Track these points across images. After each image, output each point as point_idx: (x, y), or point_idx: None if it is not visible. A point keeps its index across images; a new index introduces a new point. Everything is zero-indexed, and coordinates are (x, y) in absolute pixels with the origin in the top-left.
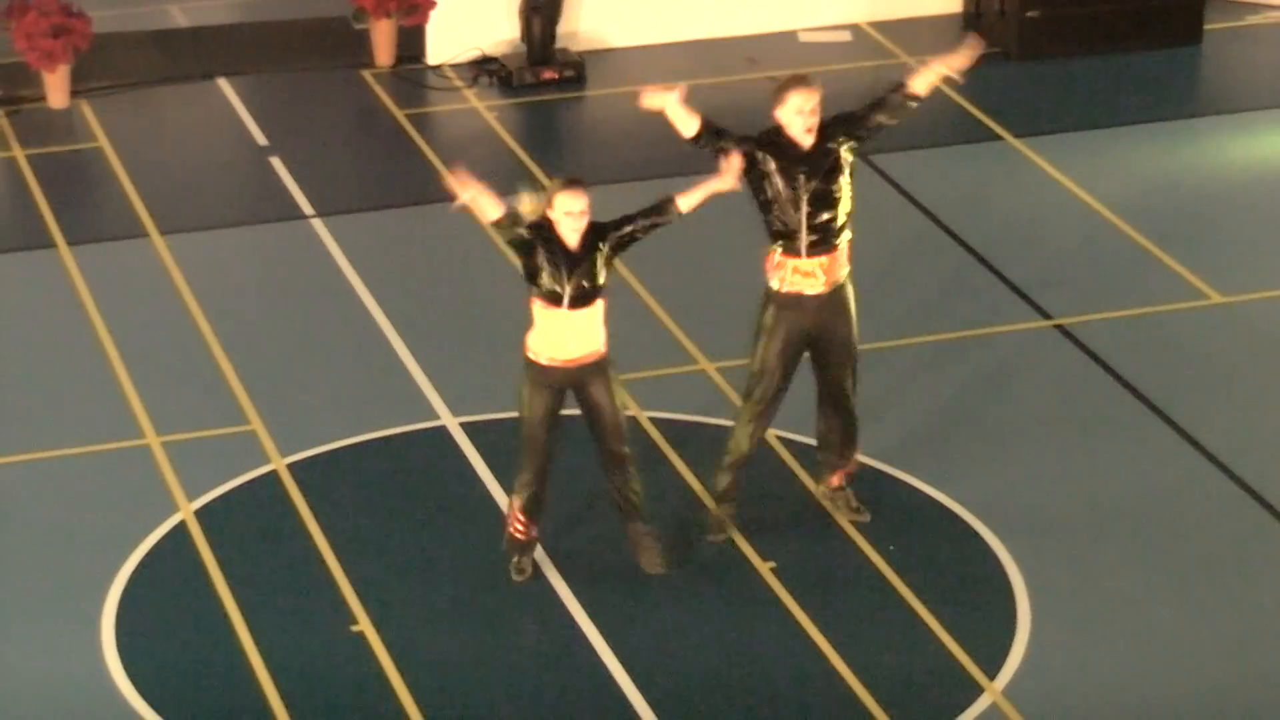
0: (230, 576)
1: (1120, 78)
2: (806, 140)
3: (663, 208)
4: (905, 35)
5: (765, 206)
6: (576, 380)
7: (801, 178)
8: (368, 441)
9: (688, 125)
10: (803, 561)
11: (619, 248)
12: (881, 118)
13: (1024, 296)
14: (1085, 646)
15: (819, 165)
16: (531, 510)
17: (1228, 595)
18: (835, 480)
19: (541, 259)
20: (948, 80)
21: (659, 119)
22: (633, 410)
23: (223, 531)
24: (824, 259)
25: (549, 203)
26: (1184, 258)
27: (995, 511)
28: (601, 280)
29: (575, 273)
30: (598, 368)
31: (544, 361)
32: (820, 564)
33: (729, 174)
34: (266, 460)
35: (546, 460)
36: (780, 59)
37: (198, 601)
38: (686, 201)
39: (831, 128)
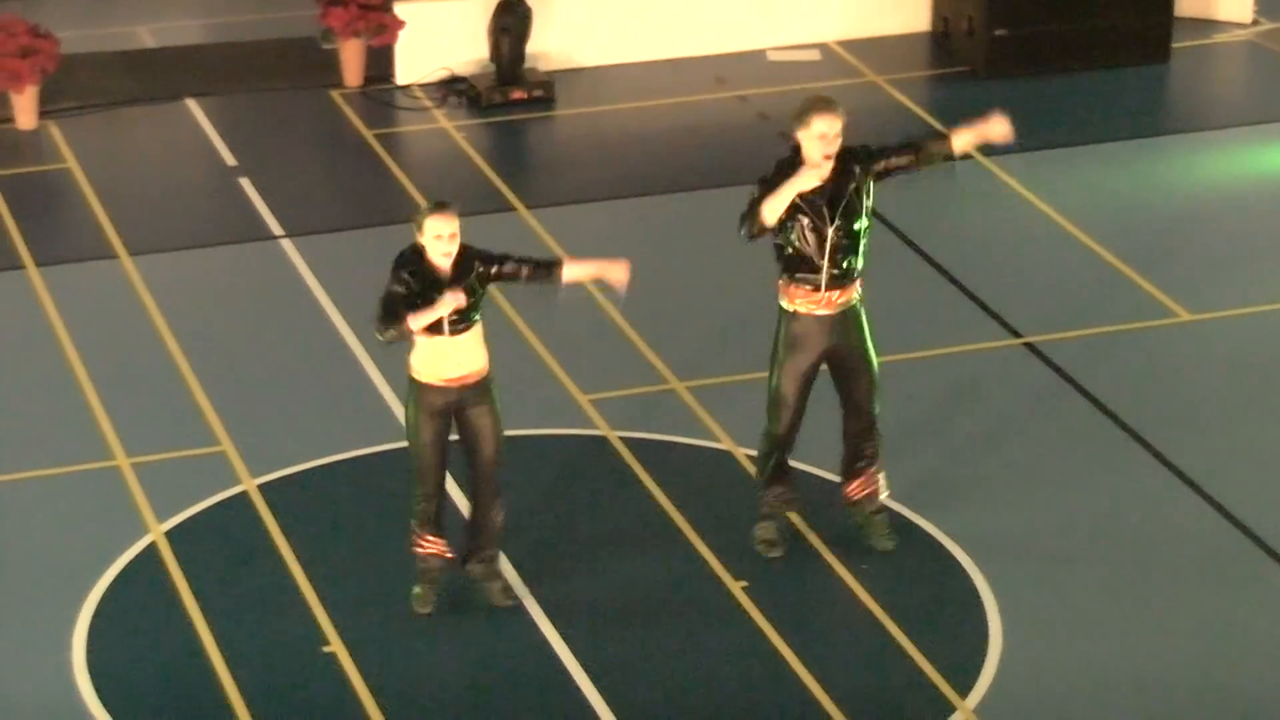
0: (201, 598)
1: (1089, 96)
2: (824, 169)
3: (548, 268)
4: (874, 54)
5: (783, 239)
6: (459, 401)
7: (826, 213)
8: (338, 462)
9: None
10: (775, 581)
11: (494, 278)
12: (904, 160)
13: (993, 315)
14: (1057, 665)
15: (839, 198)
16: (433, 529)
17: (1199, 615)
18: (855, 490)
19: (417, 292)
20: (916, 99)
21: (630, 138)
22: (603, 430)
23: (193, 553)
24: (840, 292)
25: (419, 227)
26: (1153, 276)
27: (966, 530)
28: (477, 304)
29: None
30: (481, 388)
31: (427, 380)
32: (792, 583)
33: (620, 268)
34: (237, 481)
35: (441, 480)
36: (749, 78)
37: (168, 623)
38: (570, 272)
39: (853, 159)
